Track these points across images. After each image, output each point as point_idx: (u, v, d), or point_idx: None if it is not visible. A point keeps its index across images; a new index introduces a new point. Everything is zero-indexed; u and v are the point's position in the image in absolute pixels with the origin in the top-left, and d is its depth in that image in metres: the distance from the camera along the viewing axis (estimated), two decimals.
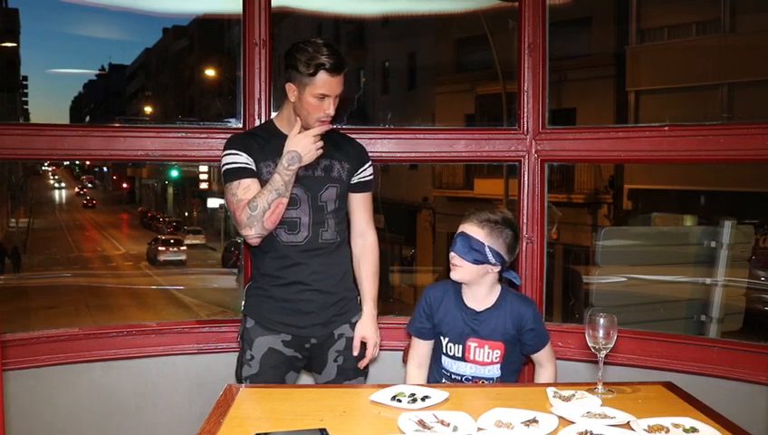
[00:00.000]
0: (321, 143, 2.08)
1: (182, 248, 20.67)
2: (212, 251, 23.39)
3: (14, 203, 28.54)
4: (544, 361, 2.11)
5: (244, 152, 2.09)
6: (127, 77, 45.26)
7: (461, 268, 2.02)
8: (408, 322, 2.17)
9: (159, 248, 20.52)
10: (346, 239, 2.24)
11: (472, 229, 2.02)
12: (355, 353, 2.19)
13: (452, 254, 2.03)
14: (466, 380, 2.07)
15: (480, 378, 2.06)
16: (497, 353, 2.04)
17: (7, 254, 20.23)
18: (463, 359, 2.06)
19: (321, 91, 2.03)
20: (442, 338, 2.09)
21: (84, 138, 2.46)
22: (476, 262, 2.00)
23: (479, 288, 2.06)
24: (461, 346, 2.05)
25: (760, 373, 2.26)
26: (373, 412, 1.72)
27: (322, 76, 2.02)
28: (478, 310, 2.05)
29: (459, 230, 2.05)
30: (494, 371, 2.05)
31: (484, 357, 2.04)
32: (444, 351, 2.09)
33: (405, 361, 2.23)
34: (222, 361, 2.48)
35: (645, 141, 2.47)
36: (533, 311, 2.07)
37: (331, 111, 2.07)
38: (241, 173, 2.07)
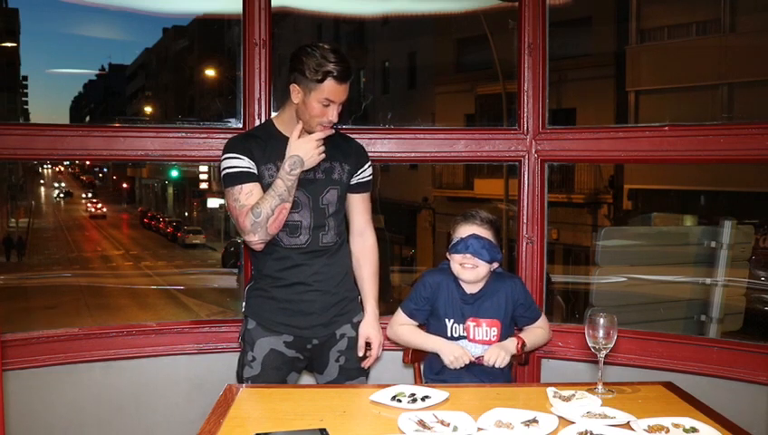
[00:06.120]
0: (323, 147, 2.07)
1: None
2: (212, 251, 23.41)
3: (13, 203, 28.54)
4: (542, 327, 2.27)
5: (245, 156, 2.06)
6: (127, 77, 45.25)
7: (477, 268, 2.12)
8: (403, 302, 2.24)
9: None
10: (346, 240, 2.24)
11: (480, 231, 2.13)
12: (359, 354, 2.19)
13: (466, 255, 2.10)
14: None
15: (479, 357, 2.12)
16: (494, 331, 2.14)
17: (13, 244, 21.22)
18: (466, 338, 2.15)
19: (326, 98, 2.02)
20: (447, 320, 2.16)
21: (84, 138, 2.46)
22: (492, 261, 2.11)
23: (479, 281, 2.16)
24: (463, 326, 2.15)
25: (760, 373, 2.26)
26: (373, 412, 1.72)
27: (330, 83, 2.00)
28: (474, 292, 2.16)
29: (467, 233, 2.13)
30: None
31: (483, 335, 2.14)
32: (449, 334, 2.15)
33: (405, 361, 2.23)
34: (222, 361, 2.48)
35: (645, 141, 2.47)
36: (522, 285, 2.25)
37: (335, 119, 2.06)
38: (242, 178, 2.05)
